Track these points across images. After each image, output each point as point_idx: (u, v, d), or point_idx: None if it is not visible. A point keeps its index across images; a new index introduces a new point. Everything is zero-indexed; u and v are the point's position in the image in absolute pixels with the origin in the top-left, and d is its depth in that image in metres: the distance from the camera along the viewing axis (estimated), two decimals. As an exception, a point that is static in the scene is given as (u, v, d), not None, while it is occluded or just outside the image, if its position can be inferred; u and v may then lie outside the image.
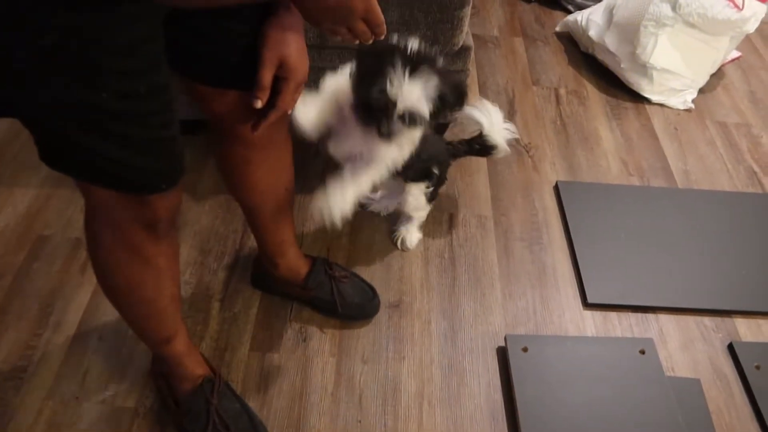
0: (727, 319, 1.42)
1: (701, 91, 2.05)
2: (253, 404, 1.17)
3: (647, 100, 2.00)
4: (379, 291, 1.36)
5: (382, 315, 1.35)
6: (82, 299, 1.32)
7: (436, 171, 1.36)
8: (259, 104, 0.85)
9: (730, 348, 1.37)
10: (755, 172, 1.81)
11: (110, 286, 0.95)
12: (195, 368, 1.12)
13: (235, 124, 0.94)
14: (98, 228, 0.86)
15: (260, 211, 1.15)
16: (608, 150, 1.82)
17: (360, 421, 1.19)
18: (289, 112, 0.92)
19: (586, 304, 1.42)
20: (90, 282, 1.35)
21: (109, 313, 1.30)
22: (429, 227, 1.53)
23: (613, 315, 1.41)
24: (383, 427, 1.18)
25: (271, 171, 1.06)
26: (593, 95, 2.01)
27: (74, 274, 1.37)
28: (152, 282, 0.93)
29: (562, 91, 2.01)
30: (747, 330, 1.41)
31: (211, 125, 1.01)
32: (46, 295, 1.33)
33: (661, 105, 2.00)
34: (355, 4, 0.72)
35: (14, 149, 1.66)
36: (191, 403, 1.11)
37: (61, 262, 1.39)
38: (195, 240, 1.46)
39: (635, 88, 2.00)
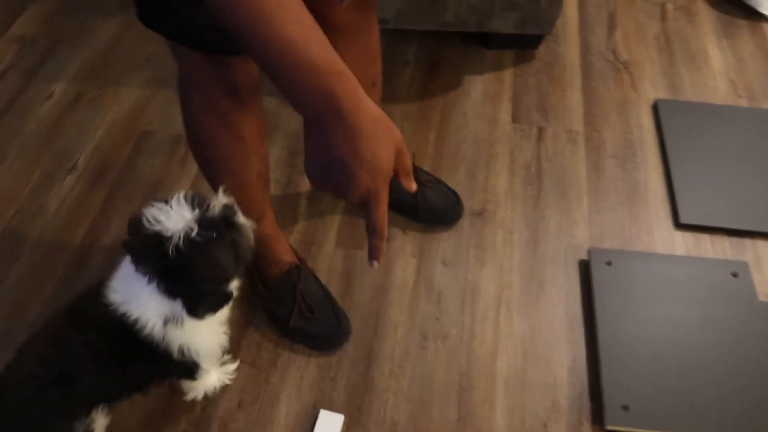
0: (833, 250, 1.34)
1: (830, 9, 1.85)
2: (336, 295, 1.23)
3: (765, 18, 1.83)
4: (463, 199, 1.37)
5: (464, 222, 1.36)
6: (182, 188, 1.40)
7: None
8: None
9: (834, 278, 1.29)
10: None
11: (203, 157, 1.02)
12: (282, 254, 1.18)
13: (320, 4, 0.94)
14: (189, 93, 0.93)
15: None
16: (716, 69, 1.70)
17: (438, 319, 1.22)
18: None
19: (678, 224, 1.36)
20: (189, 174, 1.43)
21: (205, 204, 1.38)
22: (516, 141, 1.51)
23: (705, 237, 1.35)
24: (460, 326, 1.21)
25: (356, 61, 1.06)
26: (704, 12, 1.86)
27: (175, 166, 1.46)
28: (239, 154, 0.99)
29: (669, 6, 1.87)
30: None
31: None
32: (150, 185, 1.43)
33: (782, 24, 1.83)
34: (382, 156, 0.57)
35: (120, 52, 1.75)
36: (278, 287, 1.17)
37: (163, 156, 1.48)
38: (286, 141, 1.50)
39: (752, 4, 1.83)
